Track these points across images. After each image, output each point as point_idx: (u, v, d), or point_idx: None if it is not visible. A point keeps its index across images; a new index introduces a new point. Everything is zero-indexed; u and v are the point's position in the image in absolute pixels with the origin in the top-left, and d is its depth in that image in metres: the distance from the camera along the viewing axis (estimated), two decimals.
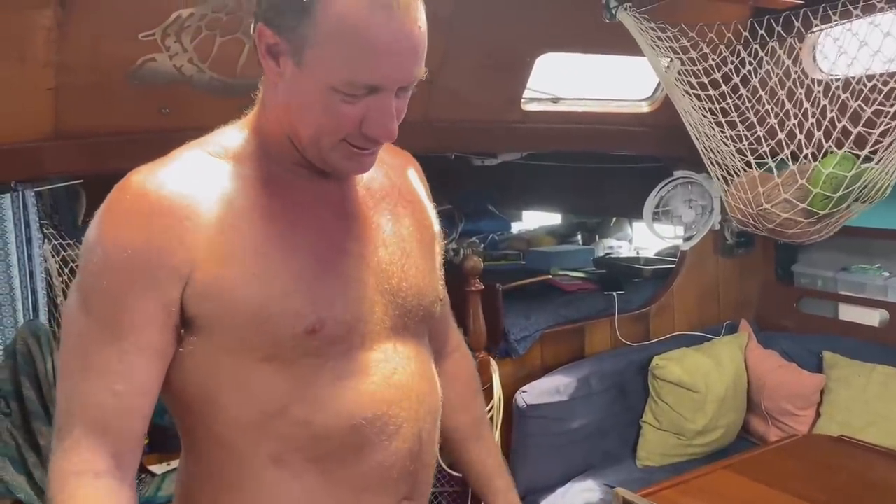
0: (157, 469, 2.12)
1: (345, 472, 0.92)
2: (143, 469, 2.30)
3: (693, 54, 1.84)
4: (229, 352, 0.87)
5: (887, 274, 2.79)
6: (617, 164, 3.21)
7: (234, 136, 0.94)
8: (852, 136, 1.65)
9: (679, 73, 1.89)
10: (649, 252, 3.81)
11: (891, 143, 1.64)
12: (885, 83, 1.61)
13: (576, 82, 2.64)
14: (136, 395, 0.85)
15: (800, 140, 1.73)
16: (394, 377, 0.94)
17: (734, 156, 1.86)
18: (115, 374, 0.83)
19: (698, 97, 1.86)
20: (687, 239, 3.00)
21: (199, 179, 0.87)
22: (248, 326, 0.86)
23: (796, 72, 1.79)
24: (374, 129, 0.87)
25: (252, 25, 0.89)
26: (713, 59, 1.84)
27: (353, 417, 0.90)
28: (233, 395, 0.88)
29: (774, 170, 1.82)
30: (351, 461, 0.92)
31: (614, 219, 4.33)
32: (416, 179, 1.11)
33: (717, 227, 3.00)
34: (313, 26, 0.82)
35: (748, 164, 1.85)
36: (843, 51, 1.64)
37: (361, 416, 0.90)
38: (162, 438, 1.98)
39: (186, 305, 0.85)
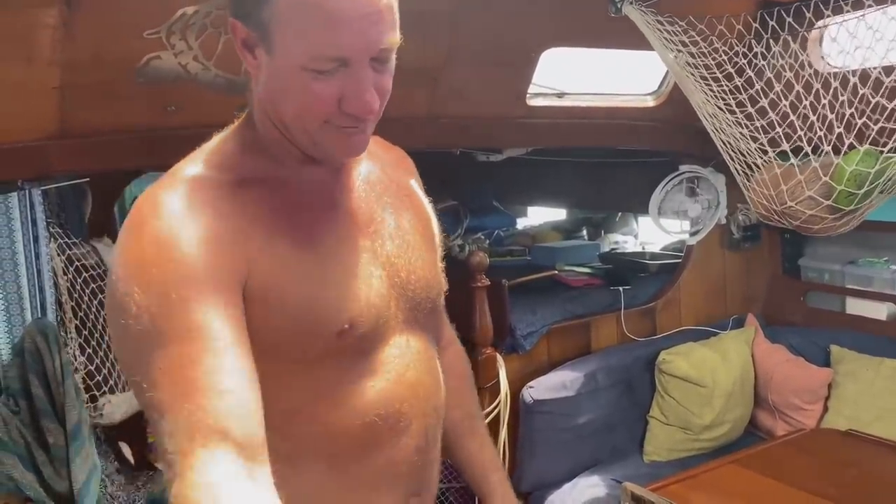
0: None
1: (356, 468, 0.93)
2: (152, 467, 2.31)
3: (703, 47, 1.82)
4: (261, 357, 0.83)
5: (894, 267, 2.78)
6: (622, 158, 3.20)
7: (234, 144, 0.93)
8: (874, 129, 1.63)
9: (691, 65, 1.87)
10: (655, 247, 3.81)
11: None
12: None
13: (581, 77, 2.63)
14: (243, 389, 0.77)
15: (820, 135, 1.71)
16: (407, 374, 0.95)
17: (752, 151, 1.84)
18: (215, 375, 0.76)
19: (712, 90, 1.85)
20: (693, 233, 2.99)
21: (215, 189, 0.86)
22: (286, 333, 0.86)
23: (811, 64, 1.77)
24: (351, 105, 0.84)
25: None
26: (724, 53, 1.83)
27: (367, 415, 0.91)
28: None
29: (796, 165, 1.80)
30: (362, 458, 0.92)
31: (620, 214, 4.33)
32: (410, 173, 1.11)
33: (723, 221, 2.99)
34: (273, 7, 0.82)
35: (768, 159, 1.84)
36: (859, 44, 1.62)
37: (375, 413, 0.91)
38: None
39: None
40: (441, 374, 1.05)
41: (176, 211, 0.83)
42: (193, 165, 0.90)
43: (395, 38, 0.85)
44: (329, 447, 0.91)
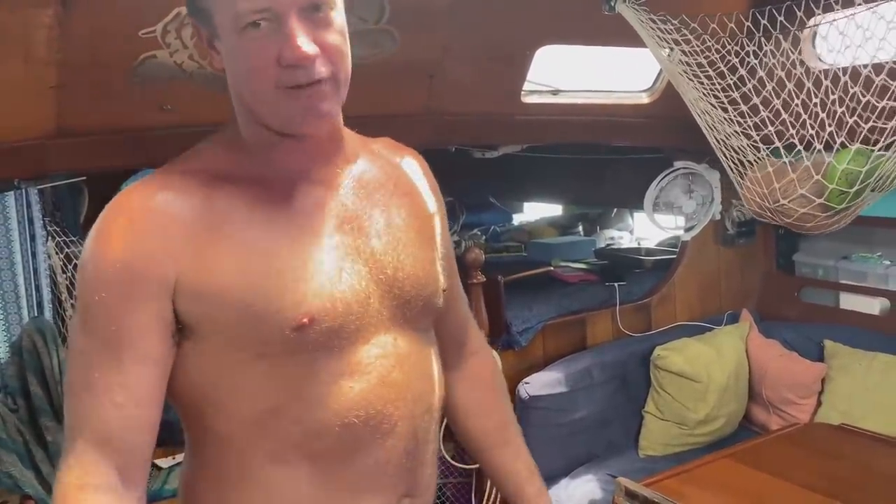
0: (163, 463, 2.13)
1: (341, 469, 0.92)
2: None
3: (696, 45, 1.84)
4: (222, 353, 0.88)
5: (888, 262, 2.79)
6: (617, 155, 3.21)
7: (213, 146, 0.95)
8: (865, 127, 1.64)
9: (684, 63, 1.88)
10: (650, 243, 3.82)
11: None
12: (894, 74, 1.60)
13: (576, 74, 2.64)
14: (137, 406, 0.85)
15: (812, 132, 1.72)
16: (391, 374, 0.93)
17: (745, 148, 1.86)
18: (115, 387, 0.84)
19: (705, 88, 1.86)
20: (688, 229, 3.00)
21: (180, 190, 0.88)
22: (236, 327, 0.86)
23: (802, 62, 1.79)
24: (285, 55, 0.84)
25: None
26: (717, 51, 1.84)
27: (345, 416, 0.90)
28: (229, 394, 0.89)
29: (788, 163, 1.82)
30: (346, 459, 0.92)
31: (615, 210, 4.34)
32: (416, 172, 1.10)
33: (718, 217, 3.01)
34: None
35: (760, 156, 1.85)
36: (848, 42, 1.63)
37: (354, 414, 0.90)
38: (168, 432, 1.99)
39: (178, 311, 0.86)
40: (438, 376, 1.03)
41: (123, 213, 0.87)
42: (170, 165, 0.93)
43: None
44: (311, 447, 0.90)
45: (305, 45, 0.84)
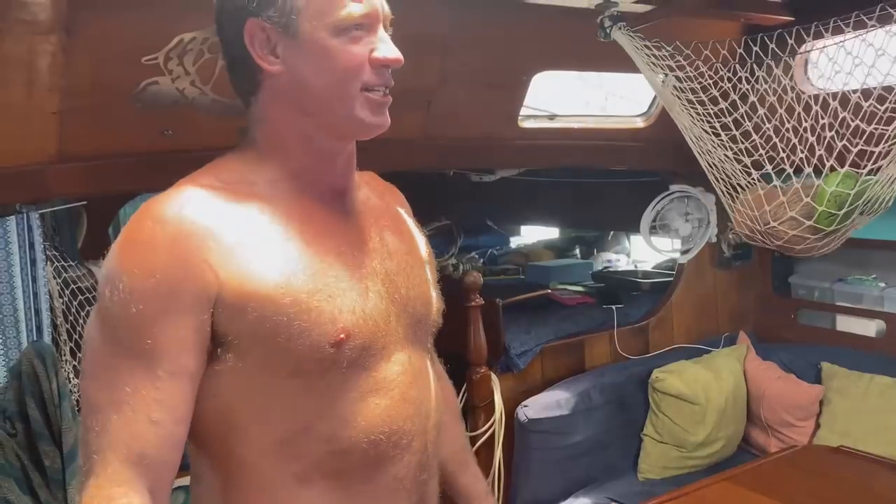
0: None
1: (363, 485, 0.94)
2: None
3: (690, 71, 1.87)
4: (257, 371, 0.88)
5: (883, 284, 2.81)
6: (614, 178, 3.24)
7: (236, 161, 0.96)
8: (854, 152, 1.67)
9: (678, 89, 1.91)
10: (647, 265, 3.84)
11: (892, 159, 1.66)
12: (882, 99, 1.64)
13: (572, 99, 2.67)
14: (174, 422, 0.84)
15: (802, 157, 1.75)
16: (410, 391, 0.97)
17: (737, 172, 1.88)
18: (151, 403, 0.82)
19: (698, 113, 1.89)
20: (684, 252, 3.02)
21: (215, 202, 0.89)
22: (275, 340, 0.86)
23: (793, 89, 1.82)
24: (382, 54, 0.92)
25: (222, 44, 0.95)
26: (710, 77, 1.87)
27: (372, 433, 0.92)
28: (258, 415, 0.89)
29: (779, 187, 1.84)
30: (368, 475, 0.94)
31: (612, 233, 4.36)
32: (400, 206, 1.15)
33: (714, 240, 3.03)
34: None
35: (752, 180, 1.88)
36: (838, 68, 1.66)
37: (380, 430, 0.93)
38: None
39: (217, 325, 0.86)
40: (439, 391, 1.08)
41: (157, 223, 0.85)
42: (199, 176, 0.93)
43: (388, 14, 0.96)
44: (337, 465, 0.92)
45: (396, 50, 0.94)
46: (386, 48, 0.93)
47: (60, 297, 2.07)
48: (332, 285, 0.90)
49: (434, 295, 1.08)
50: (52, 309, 2.04)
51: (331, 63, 0.91)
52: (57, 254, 2.10)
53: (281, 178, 0.95)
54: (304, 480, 0.91)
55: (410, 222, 1.14)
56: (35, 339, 1.95)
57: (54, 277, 2.05)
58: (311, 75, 0.92)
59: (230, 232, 0.87)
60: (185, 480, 0.98)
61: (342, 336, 0.88)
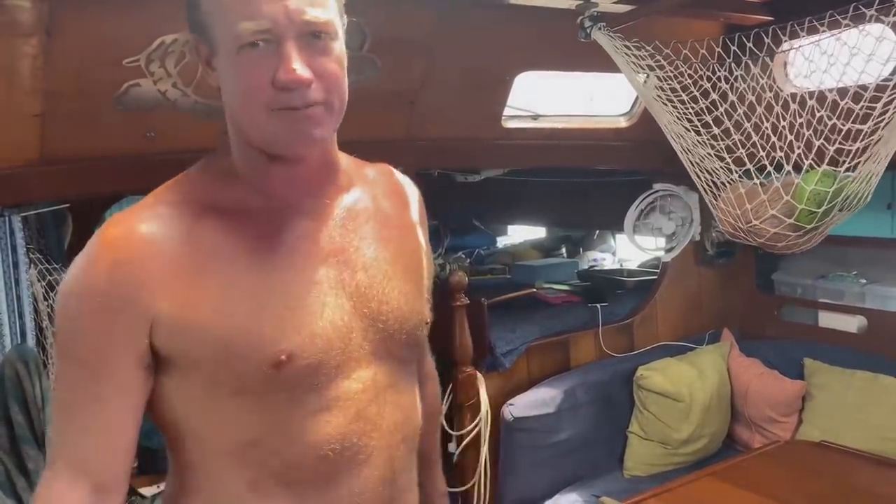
0: (147, 491, 2.11)
1: (317, 497, 0.92)
2: (132, 492, 2.30)
3: (670, 71, 1.89)
4: (200, 387, 0.88)
5: (864, 281, 2.84)
6: (598, 177, 3.26)
7: (203, 174, 0.95)
8: (832, 149, 1.70)
9: (659, 88, 1.93)
10: (632, 264, 3.86)
11: (868, 156, 1.69)
12: (858, 97, 1.66)
13: (555, 99, 2.69)
14: (111, 433, 0.88)
15: (781, 154, 1.78)
16: (369, 409, 0.93)
17: (718, 170, 1.91)
18: (91, 414, 0.87)
19: (679, 112, 1.91)
20: (668, 250, 3.04)
21: (165, 222, 0.88)
22: (214, 362, 0.86)
23: (771, 87, 1.84)
24: (279, 77, 0.84)
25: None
26: (690, 76, 1.89)
27: (320, 449, 0.90)
28: (207, 426, 0.90)
29: (759, 184, 1.87)
30: (322, 488, 0.92)
31: (597, 232, 4.38)
32: (410, 204, 1.10)
33: (698, 238, 3.05)
34: (204, 4, 0.88)
35: (733, 178, 1.90)
36: (814, 67, 1.69)
37: (329, 447, 0.90)
38: (152, 461, 1.98)
39: (156, 345, 0.87)
40: (418, 406, 1.04)
41: (107, 244, 0.87)
42: (164, 193, 0.93)
43: (324, 16, 0.86)
44: (288, 476, 0.91)
45: (300, 68, 0.84)
46: (283, 68, 0.84)
47: (45, 299, 2.06)
48: (278, 305, 0.89)
49: (418, 307, 1.02)
50: (37, 311, 2.04)
51: (233, 83, 0.88)
52: (42, 256, 2.10)
53: (245, 193, 0.93)
54: (257, 488, 0.90)
55: (416, 227, 1.09)
56: (19, 342, 1.95)
57: (39, 280, 2.05)
58: (226, 92, 0.91)
59: (176, 256, 0.87)
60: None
61: (283, 358, 0.87)
